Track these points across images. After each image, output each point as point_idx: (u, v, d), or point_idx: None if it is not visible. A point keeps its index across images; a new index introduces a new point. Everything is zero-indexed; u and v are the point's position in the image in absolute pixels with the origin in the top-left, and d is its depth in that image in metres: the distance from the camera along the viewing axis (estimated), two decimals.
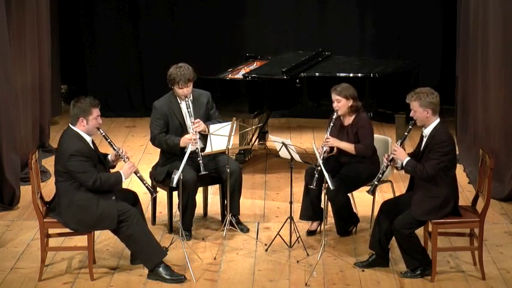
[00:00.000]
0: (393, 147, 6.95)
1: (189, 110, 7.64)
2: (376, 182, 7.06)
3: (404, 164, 6.85)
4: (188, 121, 7.70)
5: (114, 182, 6.88)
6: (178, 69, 7.64)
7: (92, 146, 6.93)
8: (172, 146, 7.63)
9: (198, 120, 7.64)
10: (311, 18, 11.83)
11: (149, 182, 8.14)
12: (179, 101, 7.74)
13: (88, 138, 6.88)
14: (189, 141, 7.55)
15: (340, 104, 7.60)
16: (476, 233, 7.00)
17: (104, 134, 6.96)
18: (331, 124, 7.64)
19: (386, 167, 7.04)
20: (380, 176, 7.04)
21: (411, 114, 6.86)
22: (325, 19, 11.84)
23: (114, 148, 7.01)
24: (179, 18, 11.94)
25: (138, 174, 7.05)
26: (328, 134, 7.62)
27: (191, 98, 7.69)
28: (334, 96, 7.61)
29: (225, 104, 8.98)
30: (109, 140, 6.99)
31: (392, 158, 6.94)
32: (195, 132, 7.59)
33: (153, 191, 7.26)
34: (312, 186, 7.50)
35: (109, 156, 7.07)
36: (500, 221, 8.15)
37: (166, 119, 7.71)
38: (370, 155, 7.64)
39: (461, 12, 10.06)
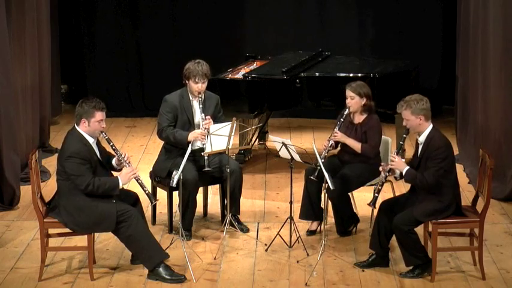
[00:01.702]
0: (391, 158, 6.92)
1: (201, 106, 7.65)
2: (376, 194, 7.00)
3: (404, 174, 6.84)
4: (198, 118, 7.70)
5: (109, 187, 6.82)
6: (196, 64, 7.66)
7: (96, 148, 6.92)
8: (180, 139, 7.62)
9: (209, 117, 7.65)
10: (311, 18, 11.83)
11: (150, 186, 8.15)
12: (191, 98, 7.74)
13: (91, 140, 6.86)
14: (199, 137, 7.56)
15: (354, 101, 7.61)
16: (476, 233, 7.00)
17: (107, 137, 6.94)
18: (341, 119, 7.65)
19: (385, 178, 7.01)
20: (379, 187, 6.99)
21: (404, 123, 6.87)
22: (325, 19, 11.83)
23: (116, 153, 6.98)
24: (179, 18, 11.93)
25: (139, 181, 6.99)
26: (337, 129, 7.62)
27: (203, 96, 7.70)
28: (349, 93, 7.62)
29: (225, 104, 8.95)
30: (112, 144, 6.96)
31: (390, 168, 6.92)
32: (205, 129, 7.60)
33: (153, 199, 7.17)
34: (312, 177, 7.49)
35: (113, 161, 7.05)
36: (500, 221, 8.15)
37: (175, 113, 7.72)
38: (374, 156, 7.64)
39: (461, 12, 10.06)
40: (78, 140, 6.81)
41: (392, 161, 6.88)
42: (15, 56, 9.07)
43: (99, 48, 12.09)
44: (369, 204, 7.02)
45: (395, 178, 7.00)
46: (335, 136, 7.62)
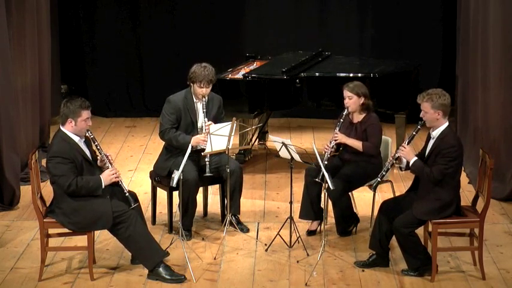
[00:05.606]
0: (401, 146, 6.92)
1: (204, 110, 7.65)
2: (379, 179, 7.07)
3: (410, 164, 6.83)
4: (201, 121, 7.70)
5: (92, 186, 6.79)
6: (202, 69, 7.65)
7: (84, 146, 6.90)
8: (183, 143, 7.62)
9: (211, 122, 7.65)
10: (311, 18, 11.83)
11: (149, 183, 8.16)
12: (195, 100, 7.74)
13: (76, 139, 6.84)
14: (201, 142, 7.56)
15: (352, 101, 7.61)
16: (476, 233, 7.00)
17: (92, 136, 6.93)
18: (341, 120, 7.65)
19: (391, 165, 7.02)
20: (384, 173, 7.04)
21: (421, 115, 6.84)
22: (325, 19, 11.83)
23: (100, 153, 6.97)
24: (179, 18, 11.93)
25: (120, 183, 6.95)
26: (337, 130, 7.62)
27: (207, 99, 7.70)
28: (346, 93, 7.63)
29: (225, 104, 8.96)
30: (96, 144, 6.95)
31: (398, 156, 6.93)
32: (207, 133, 7.59)
33: (132, 201, 6.98)
34: (317, 179, 7.47)
35: (98, 161, 7.04)
36: (500, 221, 8.15)
37: (179, 115, 7.71)
38: (376, 154, 7.64)
39: (461, 12, 10.06)
40: (62, 139, 6.79)
41: (402, 150, 6.87)
42: (15, 56, 9.07)
43: (99, 48, 12.08)
44: (370, 188, 7.03)
45: (401, 168, 6.99)
46: (336, 137, 7.61)
